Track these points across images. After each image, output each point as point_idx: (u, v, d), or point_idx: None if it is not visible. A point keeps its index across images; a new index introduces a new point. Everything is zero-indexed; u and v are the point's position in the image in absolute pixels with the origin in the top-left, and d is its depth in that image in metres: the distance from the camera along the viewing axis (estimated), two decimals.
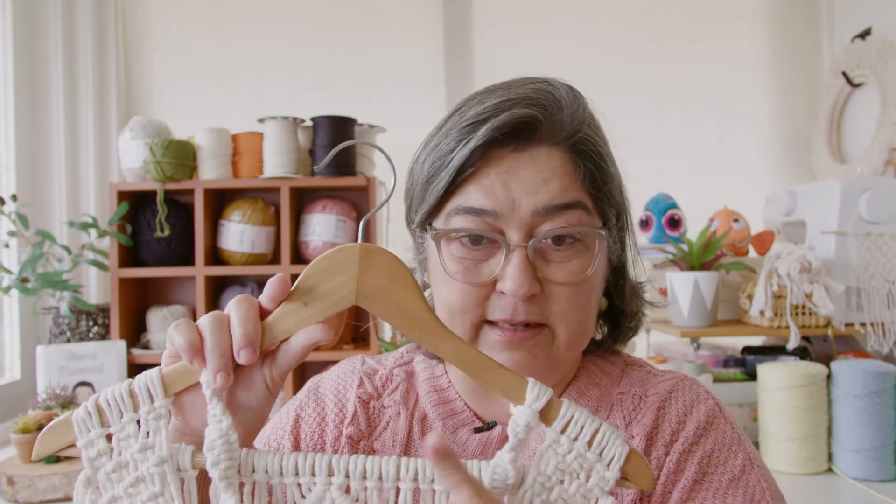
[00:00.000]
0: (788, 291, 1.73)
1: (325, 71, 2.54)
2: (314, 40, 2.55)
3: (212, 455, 0.56)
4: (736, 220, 2.01)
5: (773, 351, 1.86)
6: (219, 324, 0.58)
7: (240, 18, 2.56)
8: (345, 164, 2.03)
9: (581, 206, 0.68)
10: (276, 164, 2.00)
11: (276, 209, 2.10)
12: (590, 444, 0.55)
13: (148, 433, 0.57)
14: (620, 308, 0.78)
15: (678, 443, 0.71)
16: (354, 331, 2.06)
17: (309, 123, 2.06)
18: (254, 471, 0.57)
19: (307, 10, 2.56)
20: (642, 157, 2.46)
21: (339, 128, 2.02)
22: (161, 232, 2.02)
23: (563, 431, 0.56)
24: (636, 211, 2.09)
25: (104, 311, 2.05)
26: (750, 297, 1.82)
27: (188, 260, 2.07)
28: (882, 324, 1.76)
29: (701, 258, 1.78)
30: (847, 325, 1.77)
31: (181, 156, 2.00)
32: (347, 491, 0.56)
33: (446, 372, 0.79)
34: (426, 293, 0.76)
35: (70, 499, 1.54)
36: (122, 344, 1.98)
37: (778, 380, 1.59)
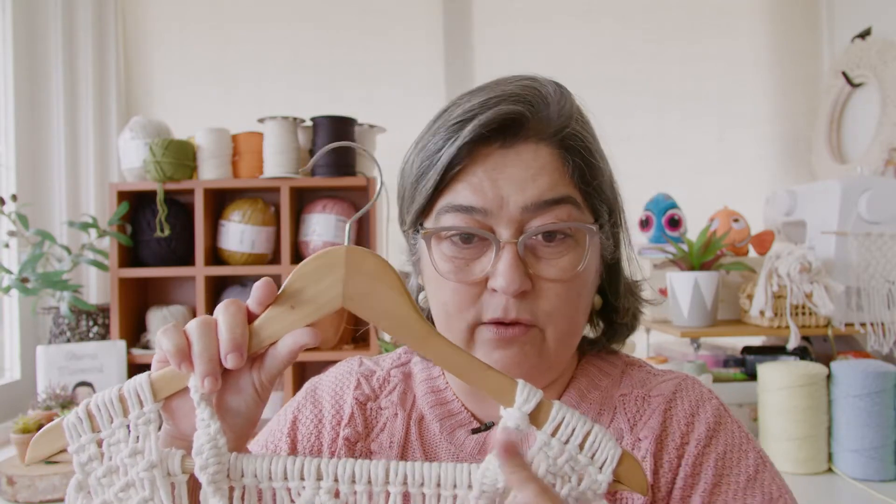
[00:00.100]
0: (788, 291, 1.73)
1: (325, 71, 2.54)
2: (314, 40, 2.55)
3: (200, 459, 0.56)
4: (736, 220, 2.01)
5: (773, 351, 1.86)
6: (206, 328, 0.58)
7: (240, 18, 2.56)
8: (345, 164, 2.03)
9: (571, 202, 0.68)
10: (276, 164, 2.00)
11: (276, 209, 2.10)
12: (581, 446, 0.55)
13: (137, 438, 0.57)
14: (614, 305, 0.77)
15: (691, 445, 0.71)
16: (354, 331, 2.06)
17: (309, 123, 2.06)
18: (243, 475, 0.57)
19: (307, 10, 2.56)
20: (642, 157, 2.46)
21: (339, 128, 2.02)
22: (161, 232, 2.02)
23: (553, 434, 0.55)
24: (636, 211, 2.10)
25: (104, 311, 2.05)
26: (750, 297, 1.81)
27: (188, 260, 2.07)
28: (882, 324, 1.76)
29: (701, 258, 1.78)
30: (847, 325, 1.77)
31: (181, 156, 2.00)
32: (337, 495, 0.56)
33: (443, 373, 0.79)
34: (421, 296, 0.76)
35: None
36: (122, 344, 1.98)
37: (778, 380, 1.59)
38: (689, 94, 2.54)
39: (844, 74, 2.33)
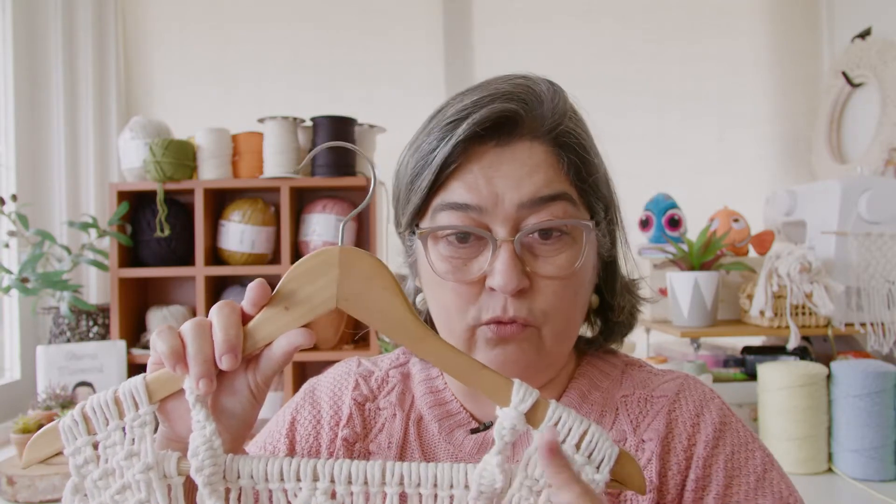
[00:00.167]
0: (788, 291, 1.73)
1: (325, 71, 2.54)
2: (314, 40, 2.55)
3: (195, 461, 0.55)
4: (736, 220, 2.01)
5: (773, 351, 1.86)
6: (201, 330, 0.58)
7: (240, 18, 2.56)
8: (345, 164, 2.03)
9: (566, 198, 0.68)
10: (276, 164, 2.00)
11: (276, 209, 2.10)
12: (578, 446, 0.54)
13: (133, 440, 0.57)
14: (611, 303, 0.77)
15: (699, 447, 0.71)
16: (354, 333, 2.06)
17: (309, 123, 2.06)
18: (239, 476, 0.56)
19: (307, 10, 2.56)
20: (642, 157, 2.46)
21: (339, 128, 2.02)
22: (161, 232, 2.02)
23: None
24: (636, 211, 2.09)
25: (104, 311, 2.05)
26: (750, 297, 1.81)
27: (188, 260, 2.07)
28: (882, 324, 1.76)
29: (701, 258, 1.78)
30: (847, 325, 1.77)
31: (181, 156, 2.00)
32: (333, 496, 0.56)
33: (442, 373, 0.79)
34: (419, 298, 0.76)
35: None
36: (122, 344, 1.98)
37: (778, 380, 1.59)
38: (689, 94, 2.54)
39: (844, 74, 2.33)
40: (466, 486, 0.55)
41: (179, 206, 2.08)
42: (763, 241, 2.02)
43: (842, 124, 2.41)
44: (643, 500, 0.69)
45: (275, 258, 2.11)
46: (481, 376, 0.58)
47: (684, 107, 2.54)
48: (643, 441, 0.72)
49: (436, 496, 0.55)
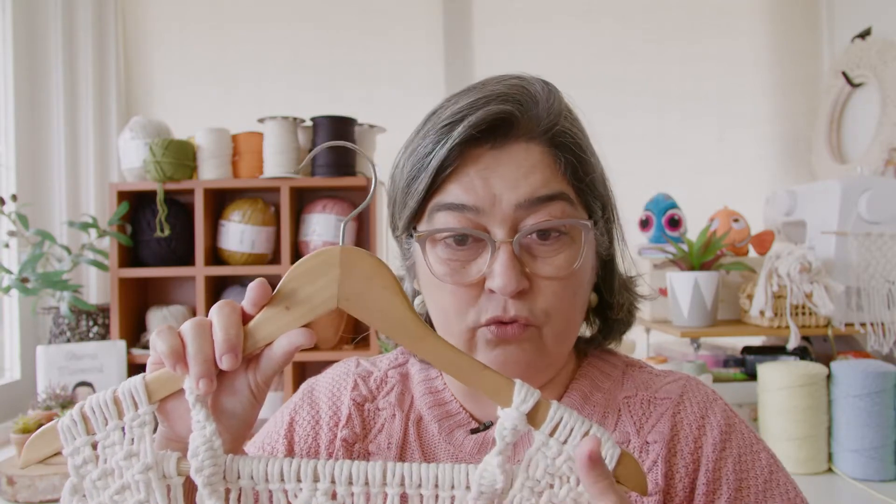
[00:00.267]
0: (788, 291, 1.73)
1: (325, 71, 2.54)
2: (314, 40, 2.55)
3: (196, 461, 0.55)
4: (736, 220, 2.01)
5: (773, 351, 1.86)
6: (201, 330, 0.58)
7: (240, 18, 2.56)
8: (345, 164, 2.03)
9: (564, 198, 0.68)
10: (276, 164, 2.00)
11: (276, 209, 2.10)
12: None
13: (133, 440, 0.56)
14: (609, 302, 0.77)
15: (706, 449, 0.71)
16: (354, 336, 2.06)
17: (309, 123, 2.06)
18: (239, 477, 0.56)
19: (307, 10, 2.56)
20: (642, 157, 2.46)
21: (339, 128, 2.02)
22: (161, 232, 2.02)
23: (551, 434, 0.55)
24: (636, 211, 2.09)
25: (104, 311, 2.05)
26: (750, 297, 1.81)
27: (188, 260, 2.07)
28: (882, 324, 1.76)
29: (701, 258, 1.78)
30: (847, 325, 1.77)
31: (181, 156, 2.00)
32: (334, 497, 0.55)
33: (441, 373, 0.79)
34: (417, 300, 0.76)
35: None
36: (122, 344, 1.98)
37: (778, 380, 1.59)
38: (689, 94, 2.54)
39: (844, 74, 2.33)
40: (468, 487, 0.55)
41: (179, 206, 2.08)
42: (763, 241, 2.02)
43: (842, 124, 2.41)
44: (649, 501, 0.69)
45: (275, 258, 2.11)
46: (482, 377, 0.58)
47: (684, 107, 2.54)
48: (647, 443, 0.72)
49: (437, 497, 0.55)
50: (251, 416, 0.61)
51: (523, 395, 0.55)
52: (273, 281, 0.61)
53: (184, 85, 2.53)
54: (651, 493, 0.70)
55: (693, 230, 1.99)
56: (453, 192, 0.67)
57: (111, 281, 2.01)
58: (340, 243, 0.60)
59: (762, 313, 1.77)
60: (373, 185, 0.64)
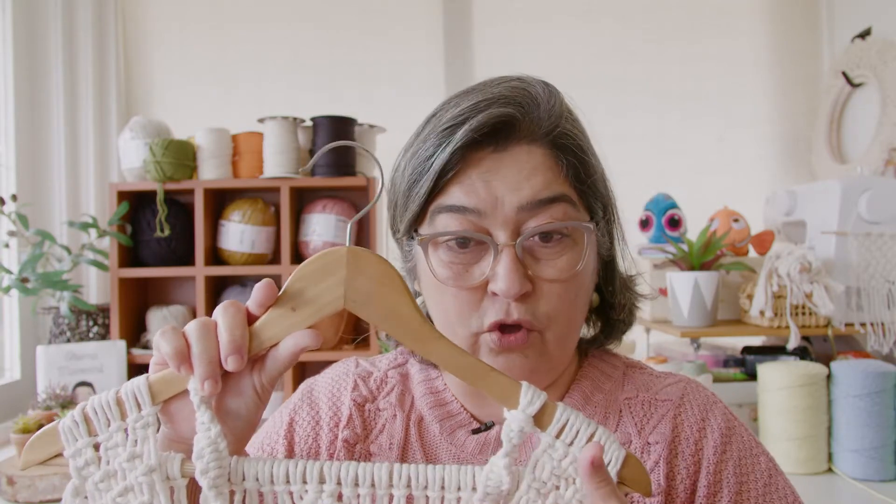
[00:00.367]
0: (788, 291, 1.73)
1: (325, 71, 2.54)
2: (314, 40, 2.55)
3: (201, 463, 0.55)
4: (736, 220, 2.01)
5: (773, 351, 1.85)
6: (205, 330, 0.57)
7: (240, 18, 2.56)
8: (345, 164, 2.03)
9: (566, 200, 0.68)
10: (276, 164, 2.00)
11: (276, 209, 2.10)
12: None
13: (136, 442, 0.56)
14: (610, 301, 0.78)
15: (707, 451, 0.72)
16: (353, 338, 2.06)
17: (309, 123, 2.06)
18: (244, 479, 0.56)
19: (307, 10, 2.56)
20: (642, 157, 2.46)
21: (339, 128, 2.02)
22: (161, 232, 2.02)
23: (558, 436, 0.55)
24: (636, 211, 2.09)
25: (104, 311, 2.05)
26: (750, 297, 1.81)
27: (188, 260, 2.07)
28: (882, 324, 1.76)
29: (701, 258, 1.78)
30: (847, 325, 1.77)
31: (181, 156, 2.00)
32: (339, 498, 0.55)
33: (441, 374, 0.79)
34: (417, 301, 0.76)
35: None
36: (122, 344, 1.98)
37: (778, 380, 1.59)
38: (689, 94, 2.54)
39: (844, 74, 2.33)
40: (474, 488, 0.55)
41: (179, 206, 2.08)
42: (763, 241, 2.02)
43: (842, 124, 2.41)
44: (651, 502, 0.70)
45: (275, 258, 2.11)
46: (489, 379, 0.58)
47: (684, 107, 2.54)
48: (649, 444, 0.72)
49: (443, 498, 0.55)
50: (255, 417, 0.61)
51: (530, 397, 0.55)
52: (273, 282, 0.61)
53: (184, 85, 2.53)
54: (653, 494, 0.70)
55: (693, 230, 1.99)
56: (455, 195, 0.67)
57: (111, 281, 2.01)
58: (347, 244, 0.60)
59: (762, 313, 1.77)
60: (380, 186, 0.64)
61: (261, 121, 2.03)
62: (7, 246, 1.92)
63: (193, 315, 2.11)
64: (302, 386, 0.83)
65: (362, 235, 2.14)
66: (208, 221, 2.06)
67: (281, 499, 0.56)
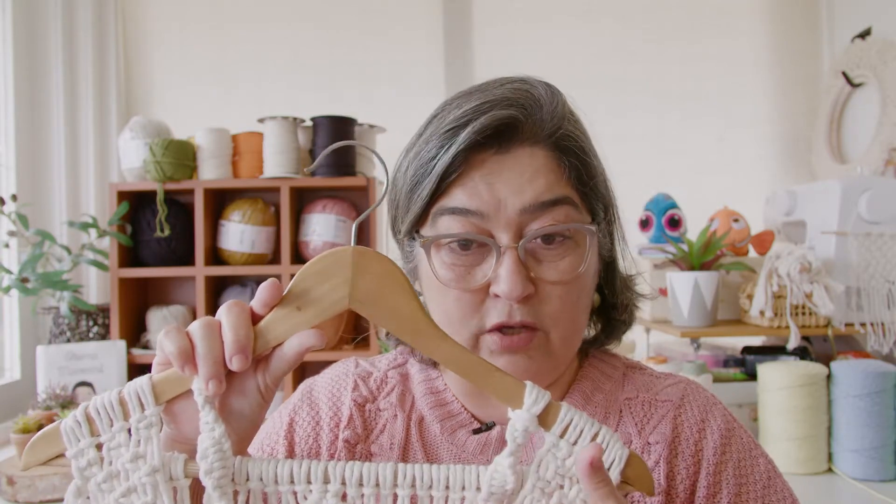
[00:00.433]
0: (788, 291, 1.73)
1: (325, 71, 2.54)
2: (314, 40, 2.55)
3: (205, 464, 0.55)
4: (736, 220, 2.01)
5: (773, 351, 1.86)
6: (210, 330, 0.57)
7: (240, 18, 2.56)
8: (345, 164, 2.03)
9: (568, 202, 0.68)
10: (276, 164, 2.00)
11: (276, 209, 2.10)
12: None
13: (139, 442, 0.56)
14: (612, 302, 0.78)
15: (707, 452, 0.72)
16: (354, 338, 2.06)
17: (309, 123, 2.06)
18: (248, 479, 0.56)
19: (307, 10, 2.56)
20: (642, 157, 2.46)
21: (339, 128, 2.02)
22: (161, 232, 2.02)
23: (562, 435, 0.55)
24: (636, 211, 2.09)
25: (104, 311, 2.05)
26: (750, 297, 1.81)
27: (188, 260, 2.07)
28: (882, 324, 1.76)
29: (701, 258, 1.78)
30: (847, 325, 1.77)
31: (181, 156, 2.00)
32: (344, 498, 0.55)
33: (442, 374, 0.79)
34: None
35: None
36: (122, 344, 1.98)
37: (778, 380, 1.59)
38: (689, 94, 2.54)
39: (844, 74, 2.33)
40: (478, 488, 0.55)
41: (179, 206, 2.08)
42: (763, 241, 2.02)
43: (842, 124, 2.41)
44: (652, 502, 0.70)
45: (275, 258, 2.11)
46: (493, 378, 0.58)
47: (684, 107, 2.54)
48: (649, 444, 0.72)
49: (447, 498, 0.55)
50: (259, 416, 0.61)
51: (534, 397, 0.55)
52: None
53: (184, 85, 2.53)
54: (654, 494, 0.70)
55: (693, 230, 1.99)
56: (458, 197, 0.67)
57: (111, 281, 2.01)
58: (352, 244, 0.60)
59: (762, 313, 1.77)
60: (386, 185, 0.64)
61: (261, 121, 2.03)
62: (7, 246, 1.92)
63: (193, 315, 2.11)
64: (301, 386, 0.83)
65: (363, 235, 2.13)
66: (208, 221, 2.06)
67: (285, 499, 0.56)
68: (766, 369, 1.64)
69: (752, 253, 2.06)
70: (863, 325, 1.78)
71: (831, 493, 1.51)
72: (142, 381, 0.57)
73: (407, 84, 2.53)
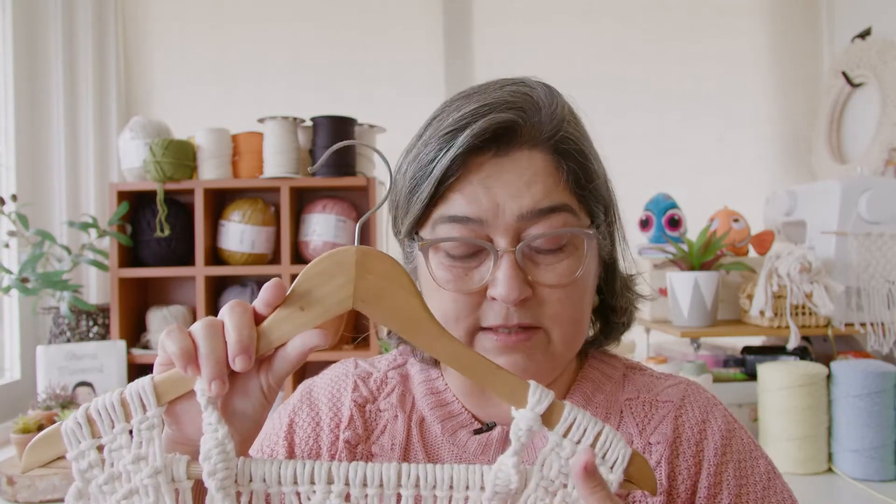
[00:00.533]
0: (788, 291, 1.73)
1: (325, 71, 2.54)
2: (314, 40, 2.55)
3: (208, 465, 0.54)
4: (736, 220, 2.01)
5: (773, 351, 1.86)
6: (213, 330, 0.57)
7: (240, 18, 2.56)
8: (345, 164, 2.03)
9: (566, 209, 0.68)
10: (276, 164, 2.00)
11: (276, 209, 2.10)
12: (592, 447, 0.55)
13: (141, 443, 0.55)
14: (611, 304, 0.78)
15: (708, 453, 0.72)
16: (353, 338, 2.06)
17: (309, 123, 2.06)
18: (251, 480, 0.55)
19: (307, 10, 2.56)
20: (642, 157, 2.46)
21: (339, 128, 2.02)
22: (161, 232, 2.02)
23: (565, 435, 0.55)
24: (636, 211, 2.09)
25: (104, 311, 2.05)
26: (750, 297, 1.82)
27: (188, 260, 2.07)
28: (882, 324, 1.76)
29: (701, 258, 1.78)
30: (847, 325, 1.77)
31: (181, 156, 2.00)
32: (347, 499, 0.55)
33: (442, 374, 0.79)
34: None
35: None
36: (122, 344, 1.98)
37: (778, 380, 1.59)
38: (689, 94, 2.54)
39: (844, 74, 2.33)
40: (482, 488, 0.55)
41: (179, 206, 2.08)
42: (763, 241, 2.02)
43: (842, 124, 2.41)
44: (653, 501, 0.70)
45: (275, 258, 2.11)
46: (497, 377, 0.58)
47: (684, 107, 2.54)
48: (650, 444, 0.72)
49: (451, 498, 0.55)
50: (262, 417, 0.61)
51: (538, 397, 0.55)
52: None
53: (184, 85, 2.53)
54: (657, 493, 0.70)
55: (693, 230, 1.99)
56: (457, 204, 0.67)
57: (111, 281, 2.01)
58: (356, 244, 0.59)
59: (762, 313, 1.77)
60: (389, 186, 0.64)
61: (261, 121, 2.03)
62: (7, 246, 1.92)
63: (193, 315, 2.11)
64: (300, 388, 0.83)
65: (364, 235, 2.14)
66: (208, 221, 2.06)
67: (288, 499, 0.55)
68: (766, 369, 1.64)
69: (752, 253, 2.06)
70: (863, 325, 1.78)
71: (831, 493, 1.51)
72: (143, 381, 0.57)
73: (407, 84, 2.53)
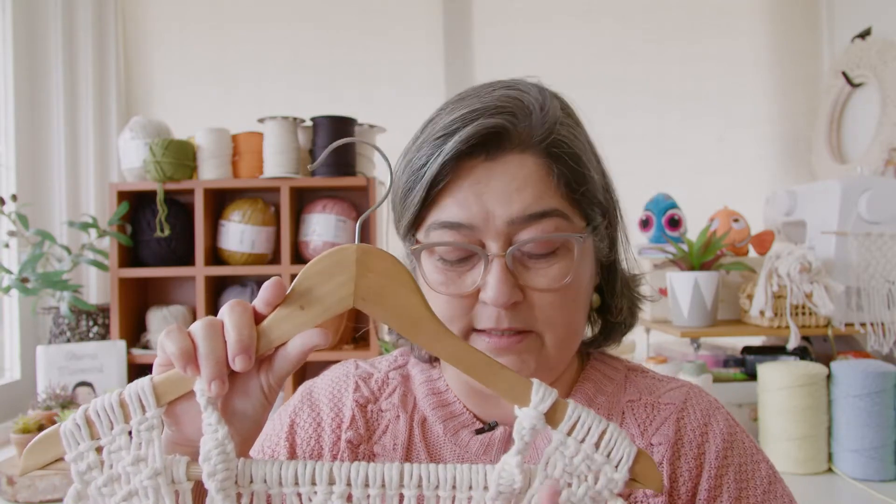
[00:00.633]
0: (788, 291, 1.73)
1: (325, 71, 2.54)
2: (314, 40, 2.55)
3: (208, 466, 0.54)
4: (736, 220, 2.01)
5: (773, 351, 1.86)
6: (212, 330, 0.56)
7: (240, 18, 2.56)
8: (345, 163, 2.03)
9: (557, 214, 0.67)
10: (276, 164, 2.00)
11: (276, 209, 2.10)
12: (597, 445, 0.54)
13: (140, 445, 0.55)
14: (609, 305, 0.78)
15: (709, 455, 0.73)
16: (354, 331, 2.06)
17: (309, 123, 2.06)
18: (252, 481, 0.55)
19: (307, 10, 2.56)
20: (642, 157, 2.46)
21: (339, 128, 2.02)
22: (161, 232, 2.02)
23: (569, 433, 0.55)
24: (636, 211, 2.09)
25: (104, 311, 2.04)
26: (750, 297, 1.82)
27: (188, 260, 2.07)
28: (882, 324, 1.76)
29: (701, 258, 1.78)
30: (847, 325, 1.77)
31: (181, 156, 2.00)
32: (349, 499, 0.55)
33: (443, 374, 0.79)
34: None
35: None
36: (122, 344, 1.98)
37: (778, 380, 1.59)
38: (689, 94, 2.54)
39: (844, 74, 2.33)
40: (485, 487, 0.54)
41: (179, 206, 2.08)
42: (763, 241, 2.02)
43: (842, 124, 2.41)
44: (654, 502, 0.70)
45: (275, 258, 2.11)
46: (500, 376, 0.57)
47: (684, 107, 2.54)
48: (652, 445, 0.73)
49: (454, 498, 0.55)
50: (262, 417, 0.60)
51: (541, 395, 0.55)
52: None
53: (184, 85, 2.53)
54: (662, 491, 0.71)
55: (693, 230, 1.99)
56: (449, 209, 0.67)
57: (111, 281, 2.01)
58: (357, 242, 0.59)
59: (762, 313, 1.77)
60: (389, 185, 0.64)
61: (261, 121, 2.03)
62: (7, 246, 1.92)
63: (193, 315, 2.11)
64: (300, 389, 0.82)
65: (364, 233, 2.14)
66: (208, 221, 2.06)
67: (290, 501, 0.55)
68: (766, 369, 1.64)
69: (752, 253, 2.06)
70: (863, 325, 1.78)
71: (831, 493, 1.51)
72: (143, 382, 0.56)
73: (407, 84, 2.53)
